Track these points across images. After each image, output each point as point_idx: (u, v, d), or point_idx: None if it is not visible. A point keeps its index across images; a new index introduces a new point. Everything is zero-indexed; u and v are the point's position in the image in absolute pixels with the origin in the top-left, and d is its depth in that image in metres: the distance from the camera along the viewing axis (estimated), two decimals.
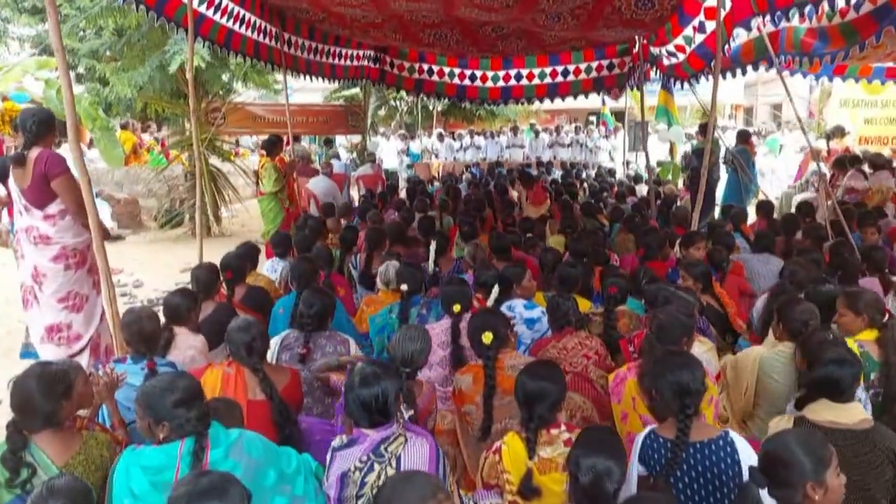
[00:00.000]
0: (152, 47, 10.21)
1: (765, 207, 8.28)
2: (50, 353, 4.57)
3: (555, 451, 2.54)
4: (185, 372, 2.72)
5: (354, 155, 14.71)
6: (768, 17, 6.14)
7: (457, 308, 3.70)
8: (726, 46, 7.60)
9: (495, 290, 4.16)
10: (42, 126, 4.55)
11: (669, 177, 12.55)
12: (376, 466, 2.40)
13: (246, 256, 5.09)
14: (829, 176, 11.06)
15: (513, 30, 9.18)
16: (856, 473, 2.40)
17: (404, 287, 4.25)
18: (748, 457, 2.43)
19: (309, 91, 19.19)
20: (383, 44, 10.65)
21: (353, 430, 2.54)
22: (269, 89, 14.35)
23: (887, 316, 3.46)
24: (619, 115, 21.06)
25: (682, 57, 7.92)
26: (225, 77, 11.78)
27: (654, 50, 8.55)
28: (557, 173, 15.21)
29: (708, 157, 6.39)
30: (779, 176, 14.56)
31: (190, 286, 4.46)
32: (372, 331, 4.30)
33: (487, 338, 3.01)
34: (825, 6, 5.05)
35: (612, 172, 14.44)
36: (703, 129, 10.80)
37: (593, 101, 19.27)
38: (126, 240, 11.34)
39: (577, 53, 11.07)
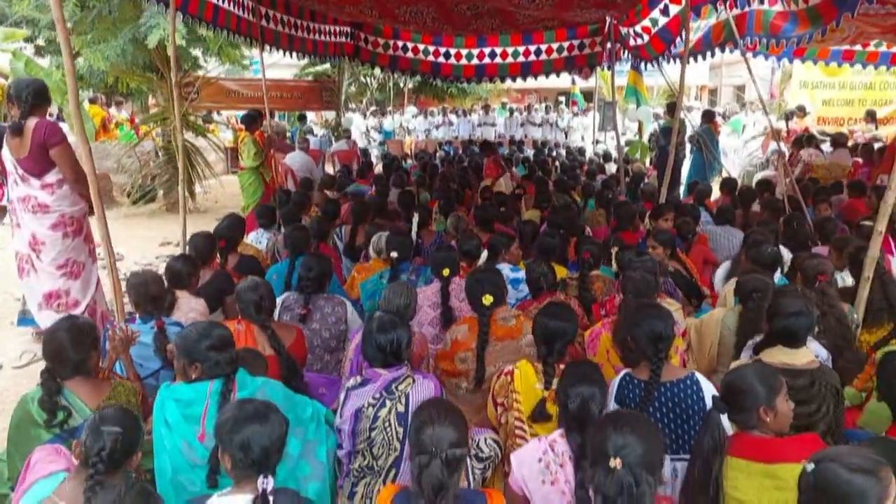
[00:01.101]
0: (124, 20, 10.17)
1: (728, 184, 8.69)
2: (49, 319, 4.71)
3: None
4: (219, 322, 2.94)
5: (327, 131, 14.81)
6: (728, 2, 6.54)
7: (446, 272, 3.97)
8: (699, 30, 7.98)
9: (484, 255, 4.44)
10: (38, 96, 4.67)
11: (637, 155, 12.91)
12: (388, 403, 2.69)
13: (235, 227, 5.28)
14: (788, 154, 11.58)
15: (487, 9, 9.36)
16: (803, 406, 2.75)
17: (394, 254, 4.51)
18: (711, 393, 2.77)
19: (280, 67, 19.13)
20: (359, 20, 10.76)
21: (367, 370, 2.81)
22: (239, 64, 14.37)
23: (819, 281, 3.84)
24: (588, 95, 21.46)
25: (646, 38, 8.24)
26: (197, 52, 11.78)
27: (623, 30, 8.85)
28: (529, 152, 15.51)
29: (676, 133, 6.72)
30: (741, 155, 15.06)
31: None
32: (363, 296, 4.55)
33: (488, 299, 3.30)
34: None
35: (581, 151, 14.78)
36: (671, 109, 11.21)
37: (564, 80, 19.63)
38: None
39: (549, 33, 11.26)
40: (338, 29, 11.01)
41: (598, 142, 16.55)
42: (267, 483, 1.96)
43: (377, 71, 18.78)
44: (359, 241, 6.16)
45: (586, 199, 8.33)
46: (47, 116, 4.98)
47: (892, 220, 5.83)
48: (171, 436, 2.56)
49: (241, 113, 10.73)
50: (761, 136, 13.79)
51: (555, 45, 11.45)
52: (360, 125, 17.96)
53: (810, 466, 1.84)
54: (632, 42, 8.69)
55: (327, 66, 16.68)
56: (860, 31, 7.98)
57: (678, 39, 7.48)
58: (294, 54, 10.49)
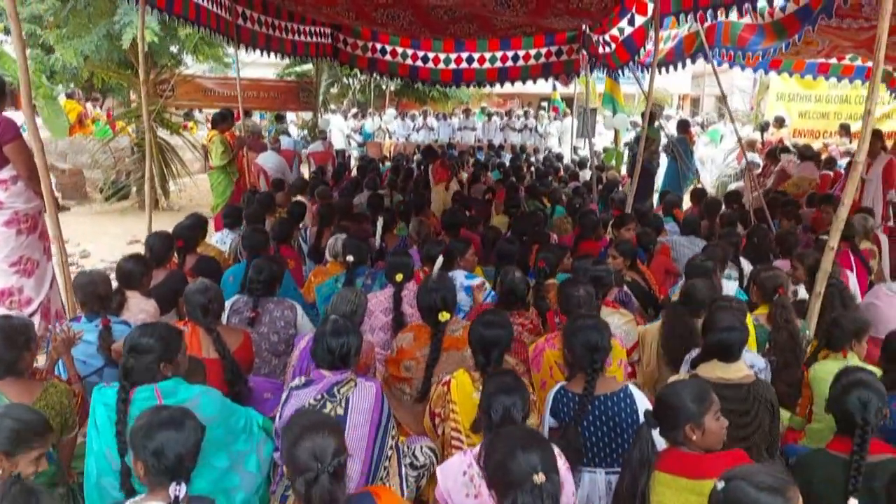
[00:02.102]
0: (99, 15, 10.09)
1: (698, 194, 8.76)
2: None
3: None
4: (165, 324, 2.92)
5: (305, 132, 14.75)
6: (691, 14, 6.58)
7: (399, 277, 3.96)
8: (669, 40, 8.03)
9: (439, 260, 4.44)
10: None
11: (613, 163, 12.98)
12: (328, 405, 2.69)
13: (196, 227, 5.24)
14: (762, 166, 11.70)
15: (464, 13, 9.39)
16: (739, 421, 2.76)
17: (350, 258, 4.49)
18: (644, 406, 2.78)
19: (260, 66, 19.04)
20: (336, 21, 10.73)
21: (313, 372, 2.80)
22: (220, 63, 14.29)
23: (778, 294, 3.86)
24: (568, 101, 21.56)
25: (613, 47, 8.27)
26: (174, 49, 11.70)
27: (595, 38, 8.88)
28: (507, 157, 15.56)
29: (643, 143, 6.78)
30: (717, 165, 15.18)
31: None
32: (318, 300, 4.53)
33: (444, 316, 3.29)
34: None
35: (559, 157, 14.83)
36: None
37: (544, 86, 19.70)
38: (71, 210, 11.23)
39: (527, 39, 11.32)
40: (317, 30, 10.98)
41: (576, 148, 16.62)
42: (179, 490, 1.93)
43: (358, 73, 18.92)
44: (324, 244, 6.14)
45: (554, 206, 8.36)
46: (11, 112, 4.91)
47: (851, 237, 5.95)
48: (98, 439, 2.53)
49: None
50: (737, 148, 13.94)
51: (532, 52, 11.51)
52: (341, 127, 17.91)
53: (720, 484, 1.85)
54: (600, 50, 8.73)
55: (309, 66, 16.66)
56: (834, 45, 8.06)
57: (642, 49, 7.53)
58: (272, 54, 10.47)
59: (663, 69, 9.68)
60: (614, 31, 8.00)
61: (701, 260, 4.39)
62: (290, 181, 9.35)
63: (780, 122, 13.47)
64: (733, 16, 6.26)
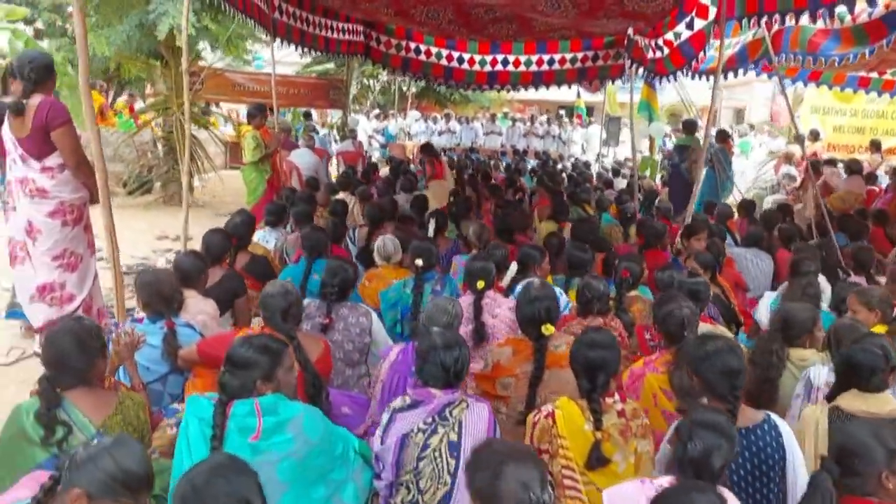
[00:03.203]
0: (131, 4, 9.83)
1: (747, 206, 8.48)
2: (40, 313, 4.36)
3: (609, 420, 2.54)
4: (265, 335, 2.63)
5: (328, 130, 14.48)
6: (755, 19, 6.32)
7: (480, 284, 3.67)
8: (730, 46, 7.74)
9: (512, 268, 4.15)
10: (41, 72, 4.34)
11: (647, 172, 12.69)
12: (440, 429, 2.39)
13: (248, 224, 4.96)
14: (799, 180, 11.40)
15: (505, 14, 9.16)
16: None
17: (419, 262, 4.20)
18: (791, 440, 2.48)
19: (281, 63, 18.85)
20: (373, 18, 10.49)
21: (417, 391, 2.51)
22: (240, 59, 14.01)
23: None
24: (590, 110, 21.30)
25: (666, 52, 7.98)
26: (203, 43, 11.44)
27: (643, 42, 8.60)
28: (531, 163, 15.30)
29: (705, 153, 6.49)
30: (746, 177, 14.90)
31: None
32: (384, 305, 4.23)
33: (549, 329, 2.98)
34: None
35: (587, 165, 14.56)
36: (686, 127, 11.01)
37: (566, 93, 19.43)
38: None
39: (564, 43, 11.12)
40: (350, 27, 10.74)
41: (603, 156, 16.34)
42: None
43: (380, 74, 18.68)
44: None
45: (600, 213, 8.07)
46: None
47: None
48: (189, 455, 2.25)
49: (245, 107, 10.43)
50: (771, 160, 13.65)
51: (568, 56, 11.32)
52: (364, 127, 17.68)
53: None
54: (650, 55, 8.44)
55: (331, 64, 16.40)
56: (882, 59, 7.80)
57: (701, 54, 7.24)
58: (304, 49, 10.23)
59: (707, 77, 9.47)
60: (669, 36, 7.70)
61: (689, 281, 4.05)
62: (322, 180, 9.09)
63: (814, 136, 13.17)
64: (804, 20, 5.96)
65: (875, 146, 12.20)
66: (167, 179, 10.76)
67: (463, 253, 5.36)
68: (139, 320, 3.30)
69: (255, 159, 8.20)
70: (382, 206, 6.33)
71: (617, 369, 2.64)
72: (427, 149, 10.69)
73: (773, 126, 18.25)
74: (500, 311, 3.71)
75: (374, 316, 3.68)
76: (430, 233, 5.86)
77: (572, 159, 16.78)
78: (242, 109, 18.47)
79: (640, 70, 10.17)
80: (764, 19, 6.23)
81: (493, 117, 19.70)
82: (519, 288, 4.15)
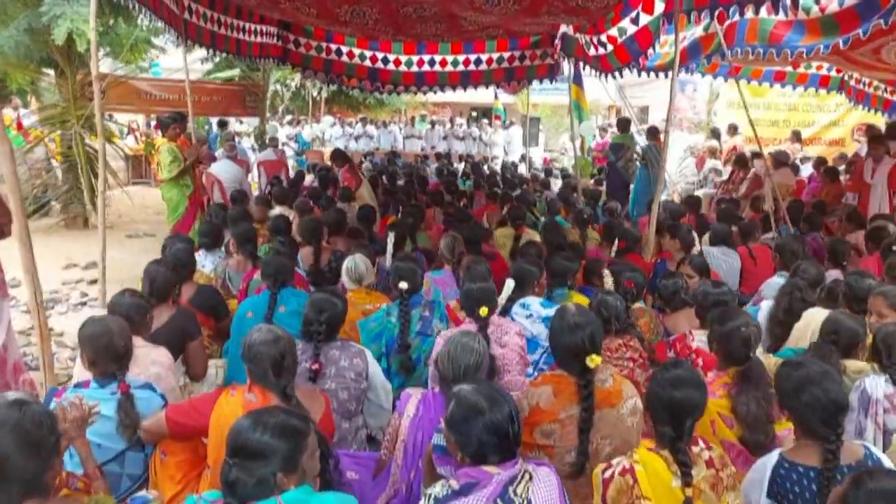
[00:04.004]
0: (18, 6, 8.77)
1: (692, 203, 8.43)
2: None
3: (698, 473, 2.14)
4: (274, 409, 2.04)
5: (249, 139, 13.60)
6: (707, 12, 6.17)
7: (484, 311, 3.18)
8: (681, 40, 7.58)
9: (509, 286, 3.71)
10: None
11: (579, 172, 12.55)
12: None
13: (191, 249, 4.30)
14: (729, 172, 11.55)
15: (434, 13, 8.76)
16: None
17: (404, 285, 3.68)
18: None
19: (180, 71, 17.66)
20: (292, 18, 9.83)
21: (468, 471, 1.98)
22: (135, 65, 12.90)
23: None
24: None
25: (610, 48, 7.77)
26: (104, 48, 10.41)
27: (582, 39, 8.36)
28: (458, 166, 14.95)
29: (666, 151, 6.28)
30: (668, 172, 15.10)
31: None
32: (364, 338, 3.68)
33: (595, 361, 2.52)
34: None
35: (515, 166, 14.34)
36: (620, 124, 10.94)
37: (480, 94, 19.22)
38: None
39: (490, 43, 10.87)
40: (264, 29, 10.03)
41: (528, 157, 16.19)
42: None
43: (292, 78, 17.83)
44: (324, 263, 5.29)
45: (552, 216, 7.77)
46: None
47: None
48: None
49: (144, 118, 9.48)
50: (690, 156, 13.84)
51: (495, 56, 11.06)
52: (277, 134, 16.82)
53: None
54: (592, 52, 8.21)
55: (236, 70, 15.46)
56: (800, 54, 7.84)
57: (650, 51, 7.05)
58: (213, 54, 9.49)
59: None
60: (613, 32, 7.48)
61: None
62: (249, 193, 8.37)
63: (733, 130, 13.46)
64: (762, 13, 5.83)
65: (796, 136, 12.55)
66: (68, 200, 9.68)
67: (433, 269, 4.85)
68: (84, 384, 2.64)
69: (173, 174, 7.39)
70: (330, 219, 5.74)
71: (703, 413, 2.23)
72: (338, 155, 10.04)
73: (696, 123, 18.66)
74: (509, 338, 3.26)
75: (369, 354, 3.14)
76: (389, 248, 5.35)
77: (496, 161, 16.56)
78: (144, 120, 17.28)
79: (571, 69, 10.07)
80: (718, 11, 6.09)
81: (412, 120, 19.24)
82: (527, 309, 3.74)
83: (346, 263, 4.20)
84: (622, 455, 2.54)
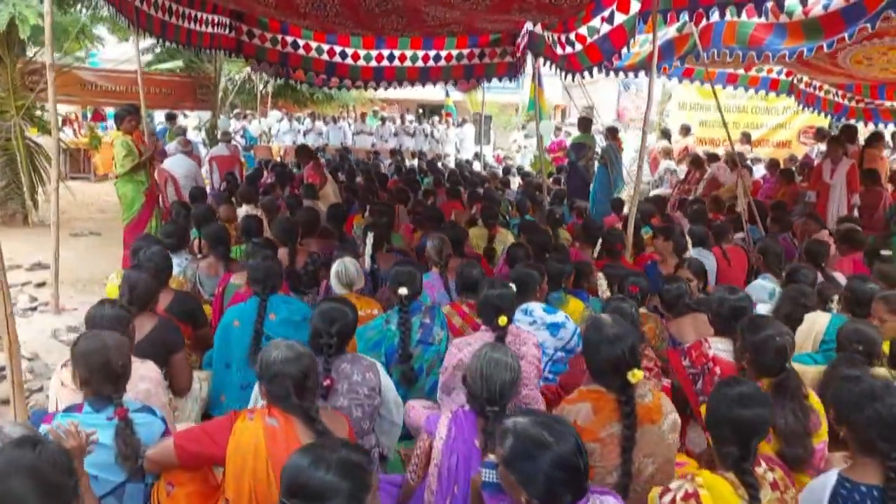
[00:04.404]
0: None
1: (657, 203, 8.48)
2: None
3: (765, 497, 2.03)
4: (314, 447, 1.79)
5: (200, 133, 13.05)
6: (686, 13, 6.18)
7: (502, 320, 3.02)
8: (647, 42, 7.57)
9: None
10: None
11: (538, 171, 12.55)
12: None
13: (166, 254, 3.98)
14: (685, 172, 11.71)
15: (396, 6, 8.56)
16: None
17: (403, 291, 3.48)
18: None
19: (117, 63, 16.85)
20: (248, 9, 9.46)
21: None
22: (73, 55, 12.22)
23: None
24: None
25: (579, 47, 7.71)
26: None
27: (550, 38, 8.27)
28: (411, 162, 14.75)
29: (644, 150, 6.25)
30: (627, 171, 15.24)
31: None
32: (362, 347, 3.46)
33: (637, 376, 2.38)
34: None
35: (469, 164, 14.23)
36: (581, 123, 10.94)
37: (429, 91, 19.01)
38: None
39: (450, 39, 10.73)
40: (216, 19, 9.61)
41: (480, 155, 16.14)
42: None
43: (239, 71, 17.25)
44: (300, 265, 5.03)
45: (522, 216, 7.67)
46: None
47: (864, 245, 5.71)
48: None
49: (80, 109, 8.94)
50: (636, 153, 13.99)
51: (454, 52, 10.94)
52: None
53: None
54: (559, 51, 8.14)
55: (179, 62, 14.84)
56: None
57: (624, 50, 7.02)
58: (163, 44, 9.07)
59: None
60: (582, 30, 7.42)
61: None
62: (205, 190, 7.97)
63: (686, 130, 13.68)
64: (742, 14, 5.84)
65: (746, 137, 12.82)
66: (5, 196, 9.05)
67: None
68: (76, 408, 2.35)
69: (127, 168, 6.96)
70: (303, 219, 5.47)
71: (767, 432, 2.13)
72: (304, 151, 9.74)
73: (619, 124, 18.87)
74: (527, 349, 3.10)
75: (381, 368, 2.93)
76: (368, 249, 5.13)
77: (448, 159, 16.42)
78: (82, 112, 16.42)
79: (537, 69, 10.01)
80: (697, 12, 6.08)
81: (362, 116, 18.91)
82: (529, 316, 3.59)
83: (336, 267, 3.97)
84: (665, 474, 2.44)
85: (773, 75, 10.88)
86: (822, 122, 13.00)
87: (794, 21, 5.43)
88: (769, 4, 5.15)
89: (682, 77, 11.05)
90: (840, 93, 10.15)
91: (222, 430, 2.20)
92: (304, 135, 18.31)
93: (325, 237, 5.80)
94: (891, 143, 12.26)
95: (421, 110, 26.01)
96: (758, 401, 2.12)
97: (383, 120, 18.88)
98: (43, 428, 2.23)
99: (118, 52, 16.02)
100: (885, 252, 4.62)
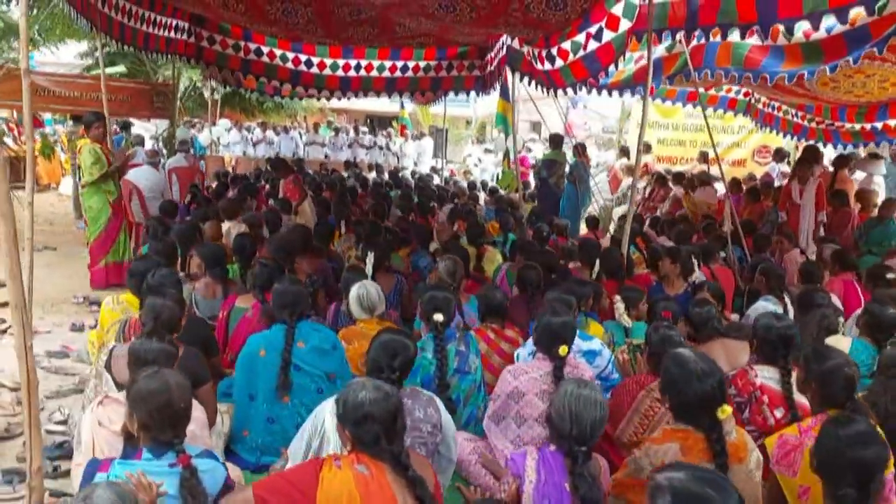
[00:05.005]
0: None
1: (591, 221, 8.66)
2: None
3: None
4: None
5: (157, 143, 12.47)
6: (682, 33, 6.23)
7: (563, 350, 2.89)
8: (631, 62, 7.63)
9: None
10: None
11: (508, 186, 12.51)
12: None
13: (178, 278, 3.71)
14: (650, 191, 11.88)
15: (370, 16, 8.43)
16: None
17: (439, 317, 3.32)
18: None
19: (49, 66, 16.02)
20: (214, 16, 9.14)
21: None
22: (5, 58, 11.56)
23: None
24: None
25: (560, 63, 7.70)
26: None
27: (530, 53, 8.23)
28: (369, 176, 14.49)
29: (638, 172, 6.25)
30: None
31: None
32: None
33: (725, 413, 2.27)
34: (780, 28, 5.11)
35: (430, 178, 14.09)
36: (552, 140, 10.98)
37: (379, 103, 18.76)
38: None
39: (418, 51, 10.67)
40: (175, 23, 9.25)
41: (437, 169, 16.03)
42: None
43: (189, 77, 16.66)
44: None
45: (506, 233, 7.57)
46: None
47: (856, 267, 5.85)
48: None
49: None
50: (601, 171, 14.18)
51: (422, 64, 10.89)
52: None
53: None
54: (539, 66, 8.11)
55: (120, 67, 14.19)
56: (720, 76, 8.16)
57: (612, 68, 7.03)
58: (122, 47, 8.70)
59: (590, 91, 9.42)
60: (565, 45, 7.41)
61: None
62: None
63: (647, 148, 13.85)
64: (734, 36, 5.90)
65: (703, 157, 13.08)
66: None
67: None
68: (135, 455, 2.10)
69: (94, 177, 6.54)
70: (298, 237, 5.23)
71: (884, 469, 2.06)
72: (279, 164, 9.43)
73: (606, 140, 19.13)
74: None
75: (439, 402, 2.76)
76: (369, 270, 4.92)
77: (405, 172, 16.22)
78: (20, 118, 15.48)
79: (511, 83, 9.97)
80: (693, 32, 6.12)
81: (315, 126, 18.54)
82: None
83: (357, 290, 3.77)
84: None
85: (732, 94, 11.16)
86: (776, 140, 13.44)
87: (792, 44, 5.50)
88: (780, 27, 5.14)
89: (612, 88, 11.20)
90: (800, 114, 10.43)
91: (308, 480, 1.99)
92: (254, 145, 17.83)
93: (316, 255, 5.56)
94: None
95: (369, 121, 25.77)
96: (876, 440, 2.06)
97: (336, 131, 18.55)
98: (99, 476, 1.98)
99: (51, 57, 15.28)
100: (891, 275, 4.70)
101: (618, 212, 11.96)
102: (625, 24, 6.37)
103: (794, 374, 3.07)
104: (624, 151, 14.30)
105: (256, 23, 9.08)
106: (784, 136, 11.20)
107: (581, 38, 7.02)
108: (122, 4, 7.87)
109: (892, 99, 8.41)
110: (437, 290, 3.53)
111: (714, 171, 13.57)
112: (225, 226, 6.00)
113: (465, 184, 13.40)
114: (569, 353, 2.95)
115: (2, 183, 4.46)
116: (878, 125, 9.13)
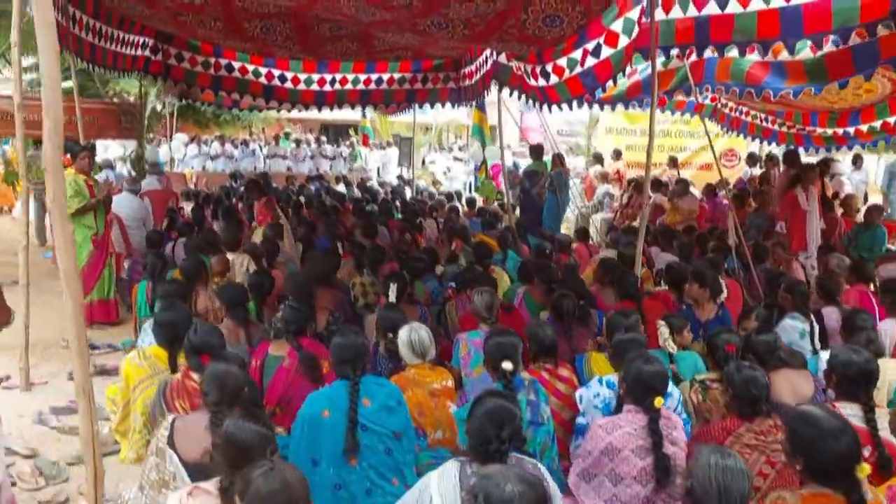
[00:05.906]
0: None
1: (581, 233, 8.66)
2: None
3: None
4: None
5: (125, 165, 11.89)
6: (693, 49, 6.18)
7: (658, 402, 2.75)
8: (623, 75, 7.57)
9: None
10: None
11: (485, 197, 12.40)
12: None
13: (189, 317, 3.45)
14: (628, 198, 11.91)
15: (350, 31, 8.23)
16: None
17: (508, 366, 3.14)
18: None
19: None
20: (190, 34, 8.80)
21: None
22: None
23: None
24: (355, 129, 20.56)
25: (555, 80, 7.60)
26: None
27: (520, 68, 8.11)
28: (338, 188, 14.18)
29: (648, 182, 6.20)
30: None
31: None
32: (463, 432, 3.08)
33: (864, 471, 2.16)
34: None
35: (401, 189, 13.89)
36: (533, 151, 10.91)
37: (336, 112, 18.39)
38: None
39: (393, 64, 10.49)
40: (142, 41, 8.87)
41: (407, 179, 15.83)
42: None
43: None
44: (322, 326, 4.56)
45: (505, 251, 7.42)
46: None
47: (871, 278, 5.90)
48: None
49: None
50: (575, 178, 14.20)
51: (397, 76, 10.73)
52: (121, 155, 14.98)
53: None
54: (532, 82, 7.99)
55: (68, 83, 13.51)
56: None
57: (610, 84, 6.97)
58: (93, 68, 8.31)
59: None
60: (561, 62, 7.31)
61: None
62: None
63: (617, 154, 13.96)
64: (733, 52, 5.88)
65: (672, 162, 13.22)
66: None
67: (472, 331, 4.26)
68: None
69: (72, 211, 6.13)
70: (319, 271, 4.98)
71: None
72: (254, 187, 9.07)
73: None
74: (678, 434, 2.84)
75: (545, 471, 2.58)
76: (392, 299, 4.71)
77: (370, 183, 15.95)
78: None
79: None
80: (689, 49, 6.09)
81: (275, 138, 18.10)
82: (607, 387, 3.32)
83: (408, 335, 3.55)
84: None
85: (699, 99, 11.28)
86: (741, 144, 13.68)
87: (793, 61, 5.48)
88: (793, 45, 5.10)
89: (603, 102, 11.23)
90: (770, 118, 10.58)
91: None
92: (213, 159, 17.28)
93: (331, 287, 5.30)
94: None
95: (325, 130, 25.34)
96: None
97: (297, 142, 18.15)
98: None
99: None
100: None
101: (595, 219, 11.99)
102: (624, 41, 6.32)
103: (877, 411, 3.01)
104: (597, 158, 14.34)
105: (234, 40, 8.75)
106: (753, 139, 11.37)
107: (577, 54, 6.95)
108: (93, 24, 7.51)
109: (864, 105, 8.58)
110: (502, 335, 3.33)
111: (683, 174, 13.88)
112: (230, 256, 5.68)
113: (436, 193, 13.22)
114: (664, 403, 2.81)
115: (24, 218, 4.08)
116: (851, 130, 9.32)
